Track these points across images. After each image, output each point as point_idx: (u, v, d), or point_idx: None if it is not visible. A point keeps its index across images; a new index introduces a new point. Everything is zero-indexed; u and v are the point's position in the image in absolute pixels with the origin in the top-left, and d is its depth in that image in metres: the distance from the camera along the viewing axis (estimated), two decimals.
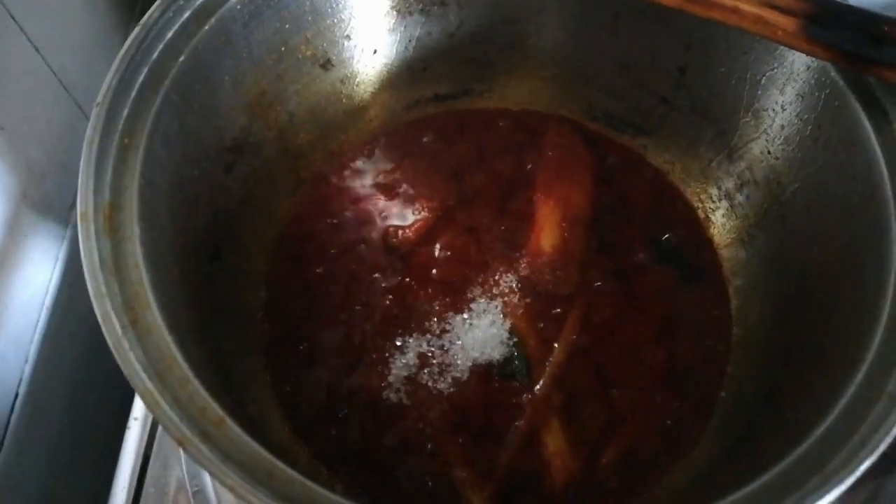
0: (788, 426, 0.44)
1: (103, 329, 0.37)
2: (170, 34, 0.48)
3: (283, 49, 0.57)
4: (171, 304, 0.43)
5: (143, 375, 0.35)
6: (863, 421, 0.36)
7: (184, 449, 0.34)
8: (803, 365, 0.48)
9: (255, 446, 0.36)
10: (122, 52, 0.45)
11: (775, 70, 0.54)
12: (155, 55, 0.47)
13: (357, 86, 0.65)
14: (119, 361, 0.36)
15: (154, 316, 0.39)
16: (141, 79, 0.46)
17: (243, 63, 0.54)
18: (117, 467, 0.58)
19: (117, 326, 0.37)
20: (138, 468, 0.58)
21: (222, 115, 0.54)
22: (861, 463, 0.34)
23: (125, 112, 0.45)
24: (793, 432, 0.40)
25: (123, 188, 0.43)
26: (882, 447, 0.34)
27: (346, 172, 0.67)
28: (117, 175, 0.43)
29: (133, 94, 0.46)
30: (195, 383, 0.37)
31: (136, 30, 0.46)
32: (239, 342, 0.57)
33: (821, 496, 0.34)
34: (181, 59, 0.48)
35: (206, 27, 0.49)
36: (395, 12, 0.62)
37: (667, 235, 0.64)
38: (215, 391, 0.43)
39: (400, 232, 0.63)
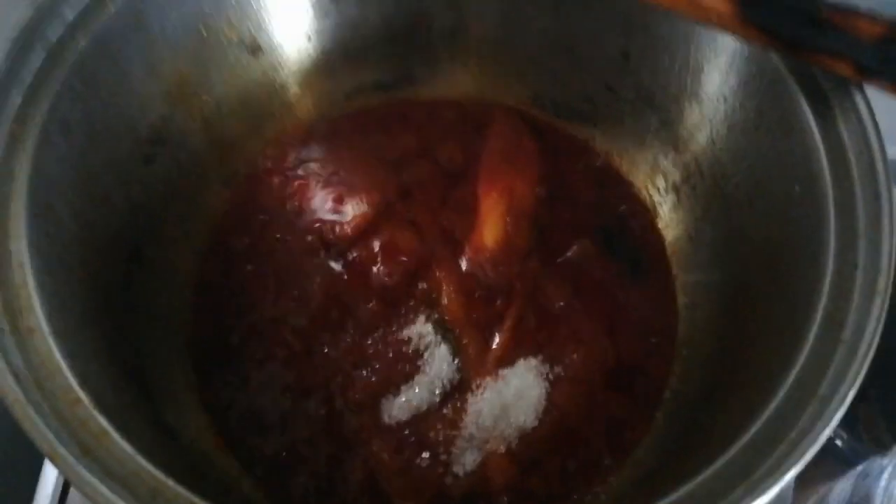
0: (726, 428, 0.42)
1: None
2: (71, 16, 0.45)
3: (203, 33, 0.54)
4: (66, 308, 0.40)
5: (12, 382, 0.32)
6: (793, 426, 0.34)
7: (54, 464, 0.31)
8: (744, 364, 0.47)
9: (141, 461, 0.33)
10: (13, 34, 0.42)
11: (718, 56, 0.52)
12: (53, 38, 0.44)
13: (291, 73, 0.62)
14: None
15: (38, 320, 0.36)
16: (38, 63, 0.43)
17: (157, 47, 0.51)
18: None
19: None
20: None
21: (136, 104, 0.51)
22: (787, 471, 0.32)
23: (17, 99, 0.42)
24: (729, 434, 0.38)
25: (11, 180, 0.40)
26: (810, 455, 0.32)
27: (282, 165, 0.64)
28: (4, 166, 0.40)
29: (28, 79, 0.42)
30: (79, 393, 0.34)
31: (27, 10, 0.42)
32: (162, 346, 0.54)
33: None
34: (83, 42, 0.44)
35: (112, 7, 0.46)
36: None
37: (614, 229, 0.62)
38: (123, 401, 0.41)
39: (337, 227, 0.60)
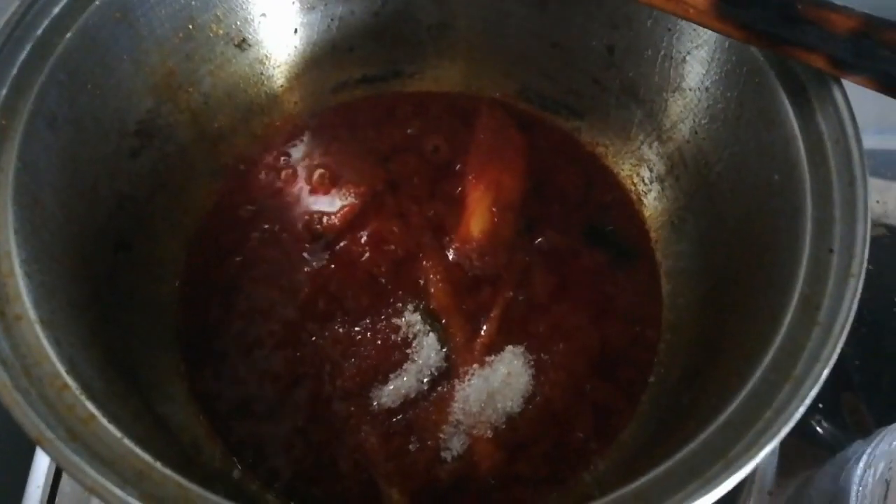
0: (705, 409, 0.43)
1: None
2: (56, 9, 0.45)
3: (190, 27, 0.54)
4: (53, 297, 0.40)
5: (1, 369, 0.33)
6: (767, 406, 0.35)
7: (42, 448, 0.31)
8: (725, 349, 0.47)
9: (128, 445, 0.33)
10: None
11: (699, 48, 0.53)
12: (39, 31, 0.44)
13: (278, 67, 0.63)
14: None
15: (25, 308, 0.36)
16: (23, 56, 0.43)
17: (144, 41, 0.51)
18: None
19: None
20: None
21: (123, 97, 0.51)
22: (762, 449, 0.33)
23: (2, 91, 0.42)
24: (707, 415, 0.39)
25: None
26: (784, 432, 0.33)
27: (270, 157, 0.64)
28: None
29: (13, 72, 0.43)
30: (66, 379, 0.35)
31: (16, 4, 0.43)
32: (150, 335, 0.54)
33: (722, 482, 0.33)
34: (68, 35, 0.45)
35: (98, 2, 0.46)
36: None
37: (599, 219, 0.63)
38: (112, 390, 0.41)
39: (325, 219, 0.61)
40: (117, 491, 0.31)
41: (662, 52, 0.56)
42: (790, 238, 0.42)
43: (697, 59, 0.54)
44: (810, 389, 0.34)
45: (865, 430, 0.61)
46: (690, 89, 0.55)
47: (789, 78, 0.46)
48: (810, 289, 0.39)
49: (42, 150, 0.43)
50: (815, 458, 0.60)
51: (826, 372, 0.35)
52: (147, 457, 0.33)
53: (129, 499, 0.31)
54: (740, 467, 0.33)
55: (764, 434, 0.34)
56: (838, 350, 0.35)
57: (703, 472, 0.33)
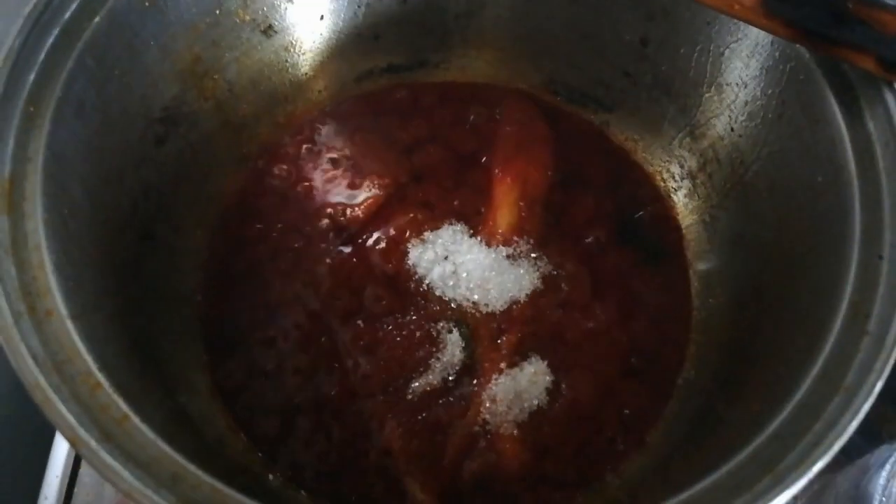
0: (745, 417, 0.42)
1: None
2: None
3: (217, 12, 0.53)
4: (81, 289, 0.40)
5: (34, 367, 0.32)
6: (817, 418, 0.34)
7: (76, 449, 0.30)
8: (762, 353, 0.46)
9: (162, 446, 0.32)
10: (28, 10, 0.41)
11: (739, 42, 0.51)
12: (66, 15, 0.43)
13: (303, 54, 0.61)
14: (7, 352, 0.32)
15: (55, 302, 0.35)
16: (50, 41, 0.42)
17: (172, 27, 0.50)
18: None
19: (8, 314, 0.33)
20: None
21: (149, 83, 0.50)
22: (814, 464, 0.32)
23: (31, 77, 0.41)
24: (748, 424, 0.38)
25: (26, 160, 0.39)
26: (836, 447, 0.32)
27: (294, 147, 0.63)
28: (19, 146, 0.39)
29: (41, 57, 0.42)
30: (99, 377, 0.34)
31: None
32: (173, 326, 0.54)
33: (771, 498, 0.32)
34: (96, 19, 0.44)
35: None
36: None
37: (628, 215, 0.62)
38: (138, 382, 0.41)
39: (349, 210, 0.60)
40: (153, 496, 0.30)
41: (700, 46, 0.55)
42: (836, 243, 0.41)
43: (737, 53, 0.52)
44: (863, 402, 0.33)
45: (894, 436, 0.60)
46: (728, 85, 0.54)
47: (837, 76, 0.45)
48: (859, 296, 0.38)
49: (70, 137, 0.42)
50: (831, 465, 0.59)
51: (880, 384, 0.34)
52: (181, 458, 0.33)
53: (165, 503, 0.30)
54: (791, 482, 0.32)
55: (815, 448, 0.33)
56: (892, 361, 0.34)
57: (751, 486, 0.33)
